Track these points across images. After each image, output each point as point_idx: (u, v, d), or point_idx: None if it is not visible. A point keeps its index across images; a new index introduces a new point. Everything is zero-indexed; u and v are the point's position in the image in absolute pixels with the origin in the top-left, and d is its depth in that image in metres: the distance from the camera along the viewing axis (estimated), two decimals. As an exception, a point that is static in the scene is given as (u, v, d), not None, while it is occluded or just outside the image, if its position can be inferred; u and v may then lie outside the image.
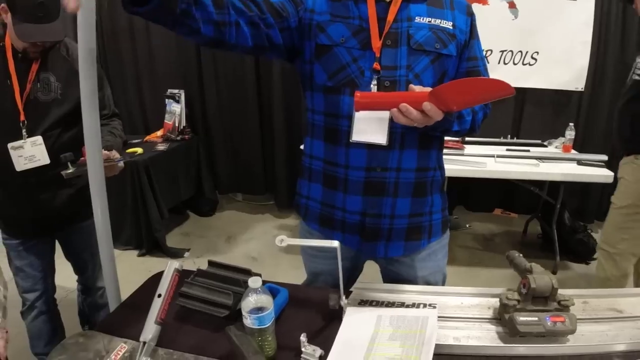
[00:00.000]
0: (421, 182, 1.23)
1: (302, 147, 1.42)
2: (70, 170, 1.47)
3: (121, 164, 1.62)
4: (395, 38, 1.12)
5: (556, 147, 3.23)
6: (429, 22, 1.14)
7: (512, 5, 3.29)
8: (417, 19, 1.13)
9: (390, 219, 1.22)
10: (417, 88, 1.00)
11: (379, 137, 1.12)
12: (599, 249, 2.28)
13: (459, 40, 1.17)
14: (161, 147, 3.47)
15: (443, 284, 1.39)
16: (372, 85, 1.12)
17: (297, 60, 1.23)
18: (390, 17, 1.12)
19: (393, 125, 1.13)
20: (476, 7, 3.29)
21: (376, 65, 1.12)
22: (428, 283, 1.32)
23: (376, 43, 1.12)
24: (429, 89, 0.97)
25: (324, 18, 1.14)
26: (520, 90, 3.54)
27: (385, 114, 1.09)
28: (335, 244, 0.94)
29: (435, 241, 1.31)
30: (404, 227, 1.24)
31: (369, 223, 1.22)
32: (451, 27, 1.16)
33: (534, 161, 2.83)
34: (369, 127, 1.12)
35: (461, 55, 1.20)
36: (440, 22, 1.15)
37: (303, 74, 1.23)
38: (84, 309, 2.11)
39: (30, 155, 1.57)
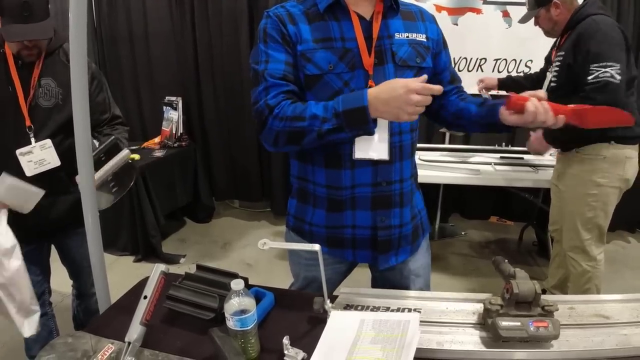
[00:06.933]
0: (413, 187, 1.29)
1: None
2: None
3: None
4: (381, 56, 1.14)
5: (550, 155, 3.23)
6: (407, 37, 1.17)
7: (505, 14, 3.31)
8: (397, 35, 1.16)
9: (400, 228, 1.25)
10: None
11: (381, 153, 1.15)
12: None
13: (432, 51, 1.20)
14: (158, 153, 3.49)
15: (428, 278, 1.43)
16: None
17: None
18: (375, 33, 1.14)
19: (391, 141, 1.16)
20: (470, 16, 3.38)
21: (371, 83, 1.12)
22: (418, 276, 1.36)
23: (368, 60, 1.13)
24: (571, 106, 1.09)
25: (308, 46, 1.13)
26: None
27: (385, 132, 1.13)
28: (316, 247, 0.95)
29: (426, 236, 1.38)
30: (410, 232, 1.28)
31: (381, 236, 1.23)
32: (425, 40, 1.19)
33: (530, 168, 2.84)
34: (370, 145, 1.14)
35: (436, 67, 1.22)
36: (417, 36, 1.18)
37: None
38: (78, 313, 2.11)
39: (40, 159, 1.58)
